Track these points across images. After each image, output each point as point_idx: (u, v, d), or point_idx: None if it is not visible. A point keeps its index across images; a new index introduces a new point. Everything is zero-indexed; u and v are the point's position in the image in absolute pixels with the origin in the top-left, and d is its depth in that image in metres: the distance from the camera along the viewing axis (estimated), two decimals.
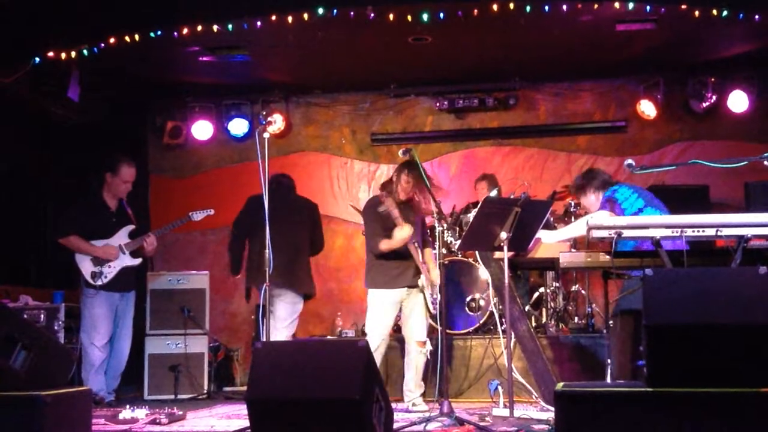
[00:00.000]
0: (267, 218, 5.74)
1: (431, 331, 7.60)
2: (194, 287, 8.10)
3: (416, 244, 6.44)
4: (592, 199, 5.81)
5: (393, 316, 6.55)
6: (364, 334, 6.83)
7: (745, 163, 5.01)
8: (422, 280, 6.44)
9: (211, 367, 8.05)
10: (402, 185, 6.49)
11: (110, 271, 6.96)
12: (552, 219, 7.40)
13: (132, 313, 7.24)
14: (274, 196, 6.38)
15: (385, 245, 6.39)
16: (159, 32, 7.63)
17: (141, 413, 5.79)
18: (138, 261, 7.13)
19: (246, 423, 4.48)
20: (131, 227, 7.14)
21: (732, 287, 3.47)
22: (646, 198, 5.49)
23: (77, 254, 6.95)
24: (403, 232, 6.29)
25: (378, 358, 6.34)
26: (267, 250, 5.69)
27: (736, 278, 3.54)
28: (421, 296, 6.48)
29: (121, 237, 7.06)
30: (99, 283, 6.90)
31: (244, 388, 7.51)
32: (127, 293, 7.15)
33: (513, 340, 6.02)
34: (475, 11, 7.34)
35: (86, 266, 6.93)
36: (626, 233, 4.56)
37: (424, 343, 6.45)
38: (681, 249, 4.47)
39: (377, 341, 6.38)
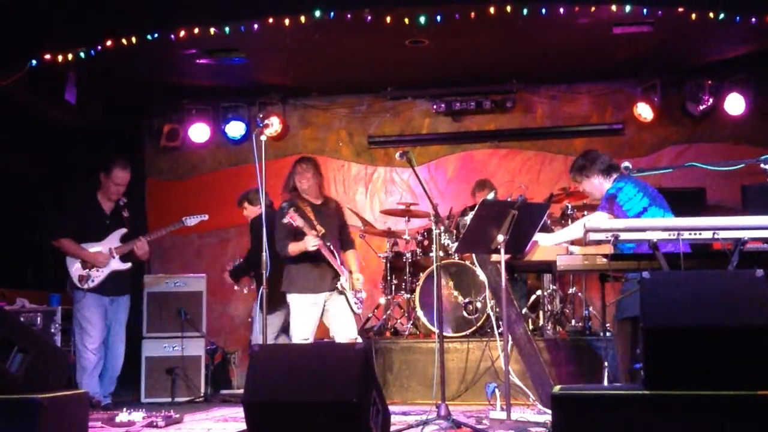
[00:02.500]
0: (264, 220, 5.76)
1: (428, 335, 7.62)
2: (191, 290, 8.09)
3: (330, 247, 6.39)
4: (595, 182, 5.69)
5: (316, 319, 6.47)
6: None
7: (742, 165, 5.01)
8: (342, 282, 6.42)
9: (208, 370, 8.04)
10: (300, 185, 6.51)
11: (98, 274, 6.89)
12: (549, 222, 7.40)
13: (125, 317, 7.14)
14: None
15: (294, 247, 6.33)
16: (156, 35, 7.63)
17: (138, 416, 5.78)
18: (127, 265, 7.04)
19: (243, 426, 4.47)
20: (123, 231, 7.06)
21: (729, 290, 3.47)
22: (651, 196, 5.45)
23: (68, 257, 6.93)
24: (310, 242, 6.24)
25: None
26: (264, 254, 5.69)
27: (733, 281, 3.55)
28: (342, 297, 6.46)
29: (112, 240, 7.00)
30: (86, 286, 6.83)
31: (241, 391, 7.49)
32: (118, 297, 7.04)
33: (510, 343, 6.02)
34: (473, 14, 7.34)
35: (75, 269, 6.87)
36: (623, 236, 4.56)
37: (356, 339, 6.45)
38: (678, 252, 4.47)
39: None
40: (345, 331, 6.49)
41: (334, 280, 6.42)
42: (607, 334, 6.99)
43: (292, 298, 6.48)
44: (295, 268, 6.47)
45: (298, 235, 6.34)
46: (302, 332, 6.42)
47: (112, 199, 7.07)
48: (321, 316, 6.51)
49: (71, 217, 7.03)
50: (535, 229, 5.38)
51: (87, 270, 6.87)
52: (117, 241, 7.02)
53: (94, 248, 6.93)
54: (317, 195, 6.59)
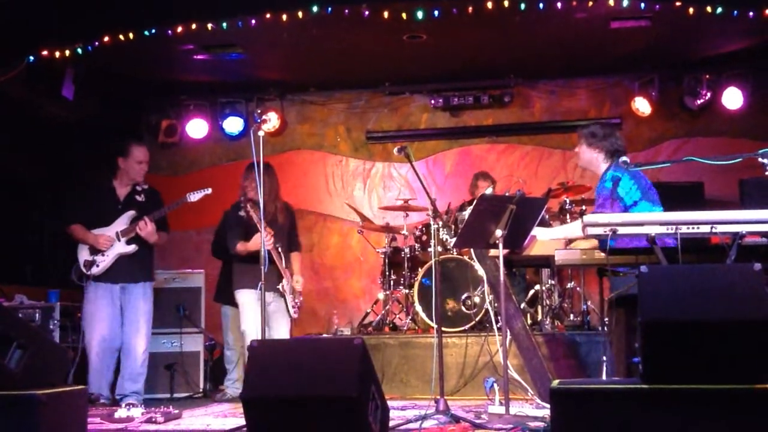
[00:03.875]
0: (263, 217, 5.76)
1: (427, 329, 7.63)
2: (190, 286, 8.10)
3: (279, 249, 6.66)
4: (594, 155, 5.62)
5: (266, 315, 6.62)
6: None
7: (740, 159, 5.01)
8: (284, 284, 6.65)
9: (206, 366, 8.05)
10: (248, 191, 6.64)
11: (103, 259, 6.72)
12: (547, 216, 7.40)
13: (144, 307, 6.87)
14: None
15: (241, 246, 6.65)
16: (153, 30, 7.63)
17: (137, 412, 5.79)
18: (132, 248, 6.78)
19: (242, 421, 4.48)
20: (132, 213, 6.83)
21: (727, 284, 3.47)
22: (644, 189, 5.42)
23: (79, 245, 6.79)
24: (258, 240, 6.37)
25: None
26: (263, 249, 5.70)
27: (731, 275, 3.54)
28: (282, 300, 6.71)
29: (120, 224, 6.81)
30: (91, 272, 6.69)
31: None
32: (130, 285, 6.82)
33: (508, 337, 6.02)
34: (470, 9, 7.35)
35: (83, 255, 6.73)
36: (621, 230, 4.56)
37: None
38: (675, 245, 4.47)
39: (246, 339, 6.60)
40: (282, 334, 6.75)
41: (277, 280, 6.63)
42: (605, 328, 7.01)
43: (241, 294, 6.75)
44: (245, 265, 6.70)
45: (248, 234, 6.63)
46: (250, 324, 6.63)
47: (137, 181, 6.94)
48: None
49: (82, 204, 6.91)
50: (534, 224, 5.39)
51: (93, 256, 6.72)
52: (125, 225, 6.82)
53: (99, 232, 6.78)
54: (266, 199, 6.58)
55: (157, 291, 7.90)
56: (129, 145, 6.94)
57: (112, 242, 6.76)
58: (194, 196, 6.85)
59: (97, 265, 6.73)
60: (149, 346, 6.98)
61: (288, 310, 6.76)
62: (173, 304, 7.91)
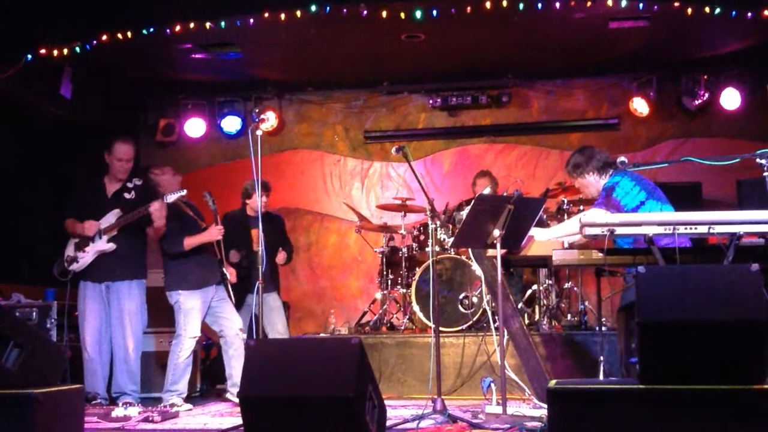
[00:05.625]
0: (260, 217, 5.76)
1: (425, 329, 7.63)
2: None
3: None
4: (591, 180, 5.65)
5: (203, 315, 6.73)
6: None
7: (738, 160, 5.02)
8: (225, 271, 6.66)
9: (203, 365, 8.03)
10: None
11: (83, 255, 6.67)
12: (545, 216, 7.41)
13: (127, 305, 6.78)
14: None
15: (192, 240, 6.58)
16: (151, 29, 7.63)
17: (134, 411, 5.79)
18: (110, 246, 6.68)
19: (239, 421, 4.48)
20: (117, 212, 6.73)
21: (724, 284, 3.48)
22: (648, 189, 5.42)
23: (69, 240, 6.75)
24: (218, 232, 6.54)
25: (191, 360, 6.68)
26: (260, 248, 5.69)
27: (729, 275, 3.55)
28: (223, 288, 6.69)
29: (104, 222, 6.74)
30: (71, 268, 6.65)
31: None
32: (114, 283, 6.75)
33: (506, 337, 6.03)
34: (468, 9, 7.35)
35: (67, 251, 6.72)
36: (619, 230, 4.56)
37: (242, 329, 6.74)
38: (674, 246, 4.47)
39: (192, 344, 6.66)
40: (235, 321, 6.74)
41: (219, 270, 6.62)
42: (603, 328, 7.01)
43: (184, 296, 6.64)
44: (184, 263, 6.62)
45: (186, 229, 6.60)
46: (196, 330, 6.65)
47: (119, 178, 6.84)
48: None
49: (74, 200, 6.91)
50: (531, 224, 5.39)
51: (76, 252, 6.69)
52: (108, 223, 6.73)
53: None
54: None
55: (152, 290, 7.87)
56: (112, 142, 6.83)
57: (98, 228, 6.67)
58: (170, 198, 6.61)
59: (77, 261, 6.70)
60: (140, 344, 6.96)
61: (230, 296, 6.66)
62: (169, 303, 7.87)
